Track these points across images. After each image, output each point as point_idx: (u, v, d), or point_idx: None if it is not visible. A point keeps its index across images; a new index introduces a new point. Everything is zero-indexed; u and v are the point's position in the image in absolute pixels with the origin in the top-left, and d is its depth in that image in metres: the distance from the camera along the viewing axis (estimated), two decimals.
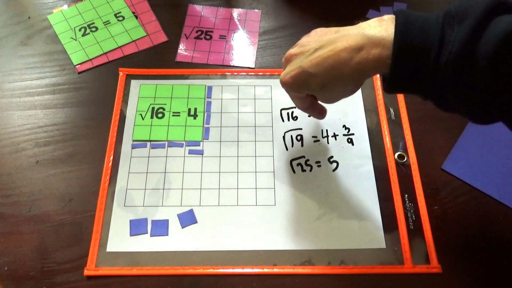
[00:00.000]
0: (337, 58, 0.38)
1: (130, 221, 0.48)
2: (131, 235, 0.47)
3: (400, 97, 0.57)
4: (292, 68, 0.42)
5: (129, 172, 0.51)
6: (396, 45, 0.34)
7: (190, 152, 0.53)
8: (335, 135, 0.54)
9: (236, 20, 0.65)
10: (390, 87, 0.38)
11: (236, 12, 0.66)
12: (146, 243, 0.47)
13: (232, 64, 0.61)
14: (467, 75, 0.32)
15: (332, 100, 0.45)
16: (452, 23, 0.33)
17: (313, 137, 0.54)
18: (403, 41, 0.34)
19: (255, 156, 0.53)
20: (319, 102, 0.47)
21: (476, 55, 0.31)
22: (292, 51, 0.43)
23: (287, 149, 0.53)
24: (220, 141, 0.54)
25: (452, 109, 0.36)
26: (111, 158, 0.52)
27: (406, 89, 0.37)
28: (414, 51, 0.34)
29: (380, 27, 0.36)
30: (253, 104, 0.57)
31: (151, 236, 0.47)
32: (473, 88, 0.32)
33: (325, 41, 0.40)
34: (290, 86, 0.43)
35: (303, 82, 0.41)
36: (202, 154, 0.53)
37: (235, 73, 0.59)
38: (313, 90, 0.42)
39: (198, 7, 0.67)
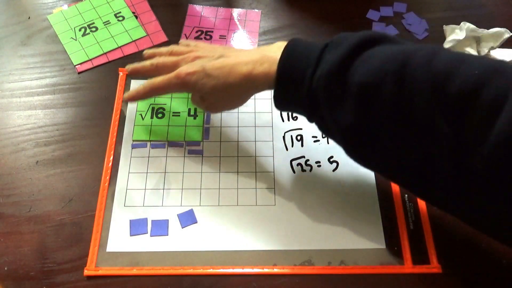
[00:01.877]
0: (236, 67, 0.42)
1: (130, 221, 0.48)
2: (131, 235, 0.47)
3: None
4: (192, 66, 0.45)
5: (129, 172, 0.51)
6: (281, 62, 0.39)
7: (190, 152, 0.53)
8: None
9: (236, 20, 0.65)
10: (276, 102, 0.42)
11: (236, 12, 0.66)
12: (146, 243, 0.47)
13: None
14: (338, 96, 0.35)
15: (216, 108, 0.48)
16: (331, 49, 0.37)
17: (313, 137, 0.54)
18: (287, 59, 0.39)
19: (255, 156, 0.53)
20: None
21: (347, 79, 0.35)
22: (198, 53, 0.46)
23: (287, 149, 0.53)
24: (220, 141, 0.54)
25: (333, 136, 0.40)
26: (111, 158, 0.52)
27: (291, 105, 0.41)
28: (295, 69, 0.38)
29: (276, 49, 0.41)
30: (253, 104, 0.57)
31: (151, 236, 0.47)
32: (345, 112, 0.35)
33: (231, 52, 0.45)
34: (183, 81, 0.45)
35: (198, 80, 0.44)
36: (202, 154, 0.53)
37: None
38: (203, 90, 0.44)
39: (198, 7, 0.67)
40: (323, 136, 0.54)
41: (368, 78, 0.33)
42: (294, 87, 0.38)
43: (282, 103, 0.42)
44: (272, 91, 0.41)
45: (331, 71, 0.35)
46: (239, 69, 0.42)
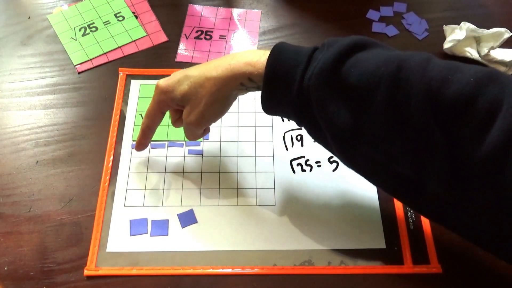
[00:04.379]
0: (216, 62, 0.41)
1: (130, 221, 0.48)
2: (131, 235, 0.47)
3: None
4: (174, 75, 0.44)
5: (129, 172, 0.51)
6: (269, 59, 0.37)
7: (190, 152, 0.53)
8: None
9: (236, 20, 0.65)
10: (264, 103, 0.39)
11: (236, 12, 0.66)
12: (146, 243, 0.47)
13: None
14: (332, 96, 0.34)
15: (196, 115, 0.43)
16: (323, 49, 0.36)
17: None
18: (276, 57, 0.37)
19: (255, 156, 0.53)
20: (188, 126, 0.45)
21: (341, 80, 0.34)
22: None
23: (287, 149, 0.53)
24: (220, 141, 0.54)
25: (323, 139, 0.38)
26: (111, 158, 0.52)
27: (280, 106, 0.39)
28: (284, 67, 0.36)
29: (260, 51, 0.39)
30: (253, 104, 0.57)
31: (151, 236, 0.47)
32: (338, 113, 0.34)
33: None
34: (163, 89, 0.43)
35: (177, 82, 0.43)
36: (202, 154, 0.53)
37: None
38: (183, 91, 0.42)
39: (198, 7, 0.67)
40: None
41: (363, 81, 0.33)
42: (283, 86, 0.37)
43: (270, 103, 0.39)
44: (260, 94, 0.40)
45: (324, 70, 0.34)
46: (218, 64, 0.40)
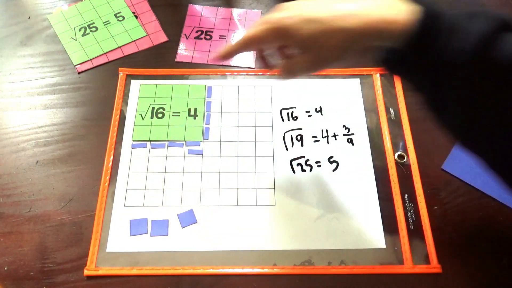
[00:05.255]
0: (344, 8, 0.35)
1: (130, 221, 0.48)
2: (131, 235, 0.47)
3: (400, 97, 0.57)
4: (295, 11, 0.38)
5: (129, 172, 0.51)
6: (421, 21, 0.32)
7: (190, 152, 0.53)
8: (335, 135, 0.54)
9: (236, 20, 0.65)
10: (394, 64, 0.36)
11: (236, 12, 0.66)
12: (146, 243, 0.47)
13: (232, 64, 0.61)
14: (481, 74, 0.32)
15: (316, 64, 0.39)
16: (474, 20, 0.32)
17: (313, 137, 0.54)
18: (428, 18, 0.32)
19: (255, 156, 0.53)
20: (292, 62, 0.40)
21: (494, 57, 0.31)
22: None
23: (287, 149, 0.53)
24: (220, 141, 0.54)
25: (442, 109, 0.35)
26: (111, 158, 0.52)
27: (413, 72, 0.35)
28: (436, 35, 0.32)
29: (400, 7, 0.34)
30: (253, 104, 0.57)
31: (151, 236, 0.47)
32: (486, 92, 0.32)
33: None
34: (286, 25, 0.38)
35: (302, 22, 0.37)
36: (202, 154, 0.53)
37: (235, 73, 0.59)
38: (305, 35, 0.37)
39: (198, 7, 0.67)
40: (324, 136, 0.54)
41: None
42: (428, 55, 0.33)
43: (403, 66, 0.35)
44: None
45: (478, 47, 0.31)
46: (353, 13, 0.35)
